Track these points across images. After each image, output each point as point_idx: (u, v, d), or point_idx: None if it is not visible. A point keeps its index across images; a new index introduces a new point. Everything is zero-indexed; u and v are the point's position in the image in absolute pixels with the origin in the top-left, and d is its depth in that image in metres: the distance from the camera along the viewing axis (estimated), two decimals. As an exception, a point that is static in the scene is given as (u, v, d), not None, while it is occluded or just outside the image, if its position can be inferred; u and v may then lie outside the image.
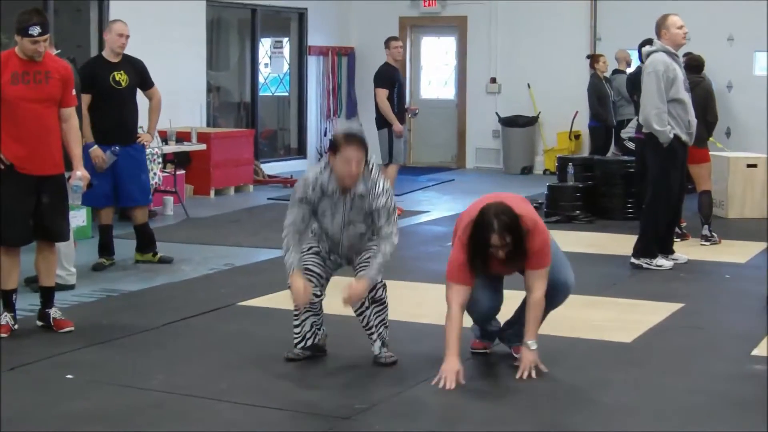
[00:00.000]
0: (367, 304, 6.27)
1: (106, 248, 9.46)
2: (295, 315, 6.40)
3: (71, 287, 8.31)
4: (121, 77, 9.32)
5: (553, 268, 6.13)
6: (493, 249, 5.88)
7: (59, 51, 8.48)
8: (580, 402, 5.80)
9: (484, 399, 5.84)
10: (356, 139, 6.09)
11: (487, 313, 6.39)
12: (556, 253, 6.23)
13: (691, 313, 7.79)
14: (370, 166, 6.23)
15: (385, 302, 6.35)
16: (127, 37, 9.37)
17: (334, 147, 6.11)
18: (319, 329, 6.44)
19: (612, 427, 5.40)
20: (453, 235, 6.26)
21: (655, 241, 9.40)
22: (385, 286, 6.35)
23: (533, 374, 6.00)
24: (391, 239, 6.18)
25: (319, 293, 6.34)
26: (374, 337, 6.34)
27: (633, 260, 9.39)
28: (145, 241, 9.61)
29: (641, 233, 9.44)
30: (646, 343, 6.95)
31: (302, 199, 6.22)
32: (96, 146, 9.12)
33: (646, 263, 9.31)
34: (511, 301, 6.43)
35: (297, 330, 6.41)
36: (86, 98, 9.09)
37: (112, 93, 9.27)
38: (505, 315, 6.51)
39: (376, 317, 6.33)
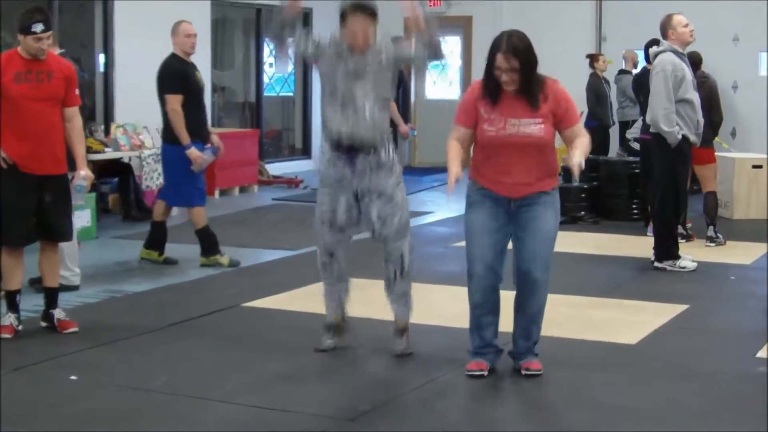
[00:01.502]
0: (396, 276, 6.37)
1: (216, 245, 9.46)
2: (328, 283, 6.49)
3: (75, 288, 8.30)
4: (200, 76, 9.40)
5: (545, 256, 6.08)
6: (497, 71, 5.87)
7: (63, 50, 8.49)
8: (584, 403, 5.77)
9: (488, 400, 5.83)
10: (362, 9, 6.12)
11: (491, 256, 6.02)
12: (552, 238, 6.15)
13: (696, 315, 7.77)
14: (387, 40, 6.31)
15: (409, 276, 6.44)
16: (195, 35, 9.39)
17: (342, 16, 6.18)
18: (345, 296, 6.54)
19: (616, 428, 5.39)
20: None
21: (673, 241, 9.36)
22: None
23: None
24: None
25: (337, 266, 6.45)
26: (393, 299, 6.46)
27: (656, 264, 9.30)
28: (160, 239, 9.59)
29: (657, 236, 9.39)
30: (650, 345, 6.93)
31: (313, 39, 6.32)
32: (194, 147, 9.11)
33: (670, 266, 9.25)
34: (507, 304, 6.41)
35: (326, 306, 6.55)
36: (179, 98, 9.05)
37: (198, 92, 9.32)
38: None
39: (406, 287, 6.46)
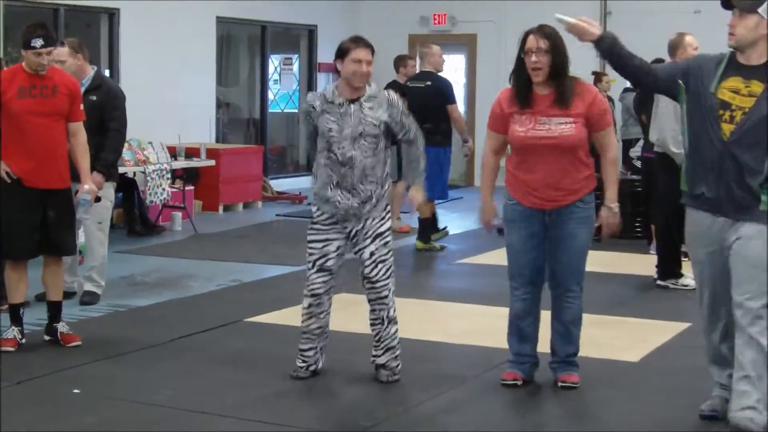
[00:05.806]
0: (385, 323, 6.22)
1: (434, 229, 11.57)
2: (303, 338, 6.33)
3: (97, 298, 8.42)
4: None
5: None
6: (527, 56, 5.89)
7: (94, 67, 8.50)
8: (586, 420, 5.79)
9: (491, 417, 5.83)
10: (364, 41, 6.35)
11: (530, 273, 6.10)
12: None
13: (699, 333, 7.68)
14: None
15: (396, 321, 6.28)
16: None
17: (341, 52, 6.32)
18: (321, 355, 6.38)
19: (618, 447, 5.41)
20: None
21: (676, 259, 9.35)
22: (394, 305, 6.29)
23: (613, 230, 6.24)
24: (418, 138, 6.32)
25: (322, 317, 6.28)
26: (381, 351, 6.27)
27: (659, 282, 9.32)
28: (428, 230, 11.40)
29: (660, 254, 9.40)
30: (653, 363, 6.94)
31: (308, 113, 6.35)
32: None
33: (672, 284, 9.26)
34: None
35: (304, 354, 6.35)
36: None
37: None
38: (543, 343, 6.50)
39: (394, 338, 6.27)
